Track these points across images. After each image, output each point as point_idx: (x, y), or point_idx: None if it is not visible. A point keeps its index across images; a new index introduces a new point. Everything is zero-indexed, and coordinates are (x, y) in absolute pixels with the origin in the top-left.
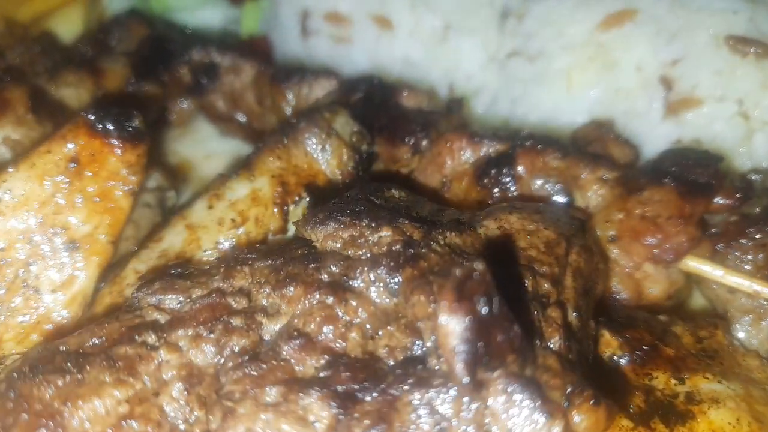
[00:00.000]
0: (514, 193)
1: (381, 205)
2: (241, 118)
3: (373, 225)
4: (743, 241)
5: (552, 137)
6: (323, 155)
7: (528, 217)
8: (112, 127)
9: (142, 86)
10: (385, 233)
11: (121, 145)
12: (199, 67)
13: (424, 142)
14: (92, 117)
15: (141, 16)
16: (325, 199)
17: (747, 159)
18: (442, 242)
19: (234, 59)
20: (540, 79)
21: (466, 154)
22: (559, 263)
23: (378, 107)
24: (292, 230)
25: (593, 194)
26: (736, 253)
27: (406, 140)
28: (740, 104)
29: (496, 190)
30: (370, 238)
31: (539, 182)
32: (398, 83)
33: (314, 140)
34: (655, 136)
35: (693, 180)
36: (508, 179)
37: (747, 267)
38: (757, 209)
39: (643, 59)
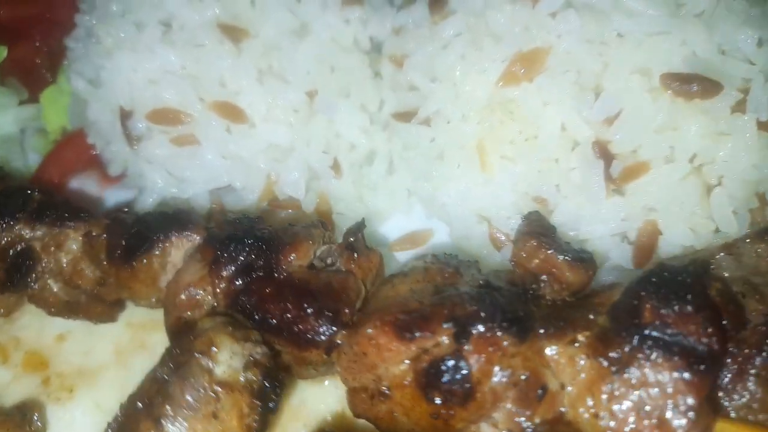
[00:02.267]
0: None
1: None
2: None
3: None
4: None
5: (495, 293)
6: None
7: None
8: None
9: None
10: None
11: None
12: (7, 256)
13: (338, 340)
14: None
15: None
16: None
17: (707, 220)
18: None
19: (50, 230)
20: (443, 150)
21: (399, 356)
22: None
23: (264, 282)
24: None
25: (569, 374)
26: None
27: (313, 339)
28: (693, 160)
29: (451, 402)
30: None
31: (501, 376)
32: (280, 232)
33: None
34: (598, 215)
35: (691, 349)
36: (465, 385)
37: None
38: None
39: (568, 118)
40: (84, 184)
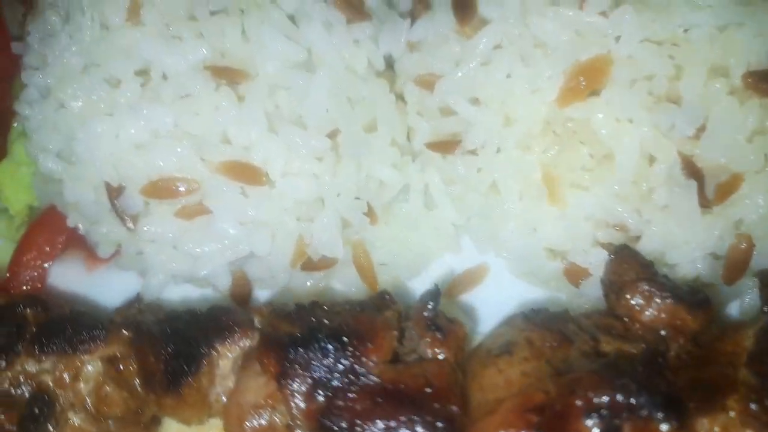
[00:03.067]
0: None
1: None
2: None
3: None
4: None
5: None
6: None
7: None
8: None
9: None
10: None
11: None
12: (14, 403)
13: None
14: None
15: None
16: None
17: None
18: None
19: (61, 358)
20: (496, 181)
21: None
22: None
23: (350, 393)
24: None
25: None
26: None
27: None
28: None
29: None
30: None
31: None
32: (352, 322)
33: None
34: (691, 238)
35: None
36: None
37: None
38: None
39: (645, 135)
40: (68, 269)
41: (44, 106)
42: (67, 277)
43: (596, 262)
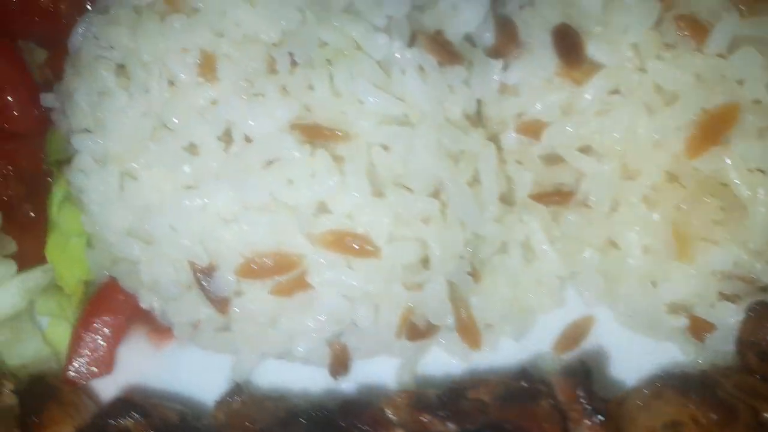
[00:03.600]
0: None
1: None
2: None
3: None
4: None
5: None
6: None
7: None
8: None
9: None
10: None
11: None
12: None
13: None
14: None
15: None
16: None
17: None
18: None
19: None
20: (611, 234)
21: None
22: None
23: None
24: None
25: None
26: None
27: None
28: None
29: None
30: None
31: None
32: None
33: None
34: None
35: None
36: None
37: None
38: None
39: None
40: (133, 347)
41: (105, 176)
42: (133, 357)
43: (722, 315)
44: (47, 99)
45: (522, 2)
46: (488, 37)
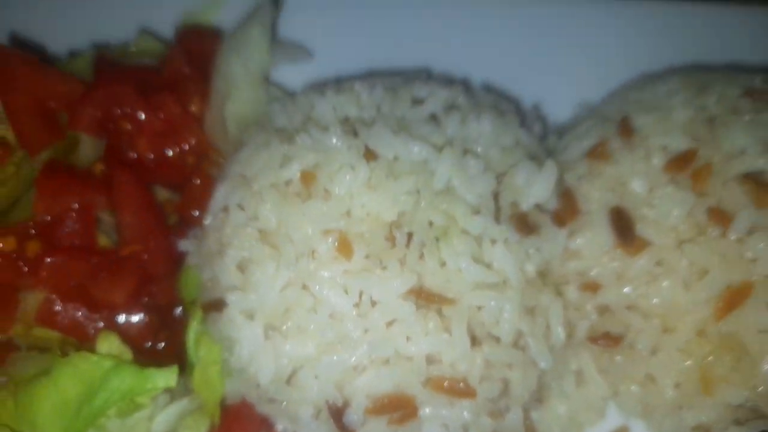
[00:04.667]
0: None
1: None
2: None
3: None
4: None
5: None
6: None
7: None
8: None
9: None
10: None
11: None
12: None
13: None
14: None
15: None
16: None
17: None
18: None
19: None
20: (651, 372)
21: None
22: None
23: None
24: None
25: None
26: None
27: None
28: None
29: None
30: None
31: None
32: None
33: None
34: None
35: None
36: None
37: None
38: None
39: None
40: None
41: (253, 328)
42: None
43: None
44: (184, 244)
45: (581, 174)
46: (553, 203)
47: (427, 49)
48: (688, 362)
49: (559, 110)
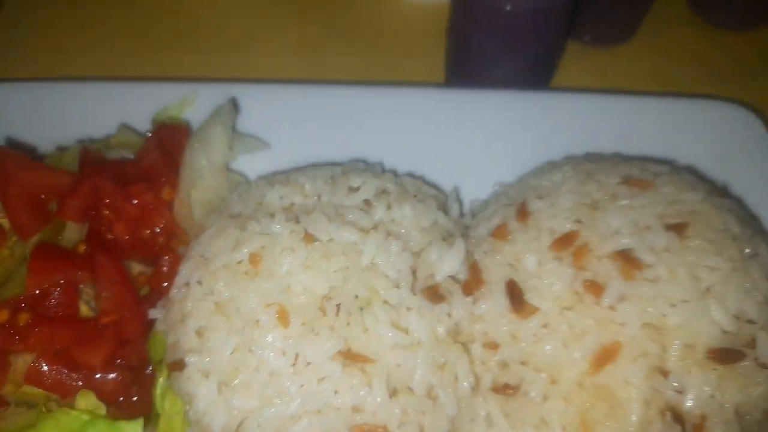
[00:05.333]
0: None
1: None
2: None
3: None
4: None
5: None
6: None
7: None
8: None
9: None
10: None
11: None
12: None
13: None
14: None
15: None
16: None
17: None
18: None
19: None
20: (543, 416)
21: None
22: None
23: None
24: None
25: None
26: None
27: None
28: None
29: None
30: None
31: None
32: None
33: None
34: None
35: None
36: None
37: None
38: None
39: (649, 395)
40: None
41: (208, 385)
42: None
43: None
44: (153, 312)
45: (486, 250)
46: (464, 274)
47: (365, 141)
48: (571, 408)
49: (480, 191)
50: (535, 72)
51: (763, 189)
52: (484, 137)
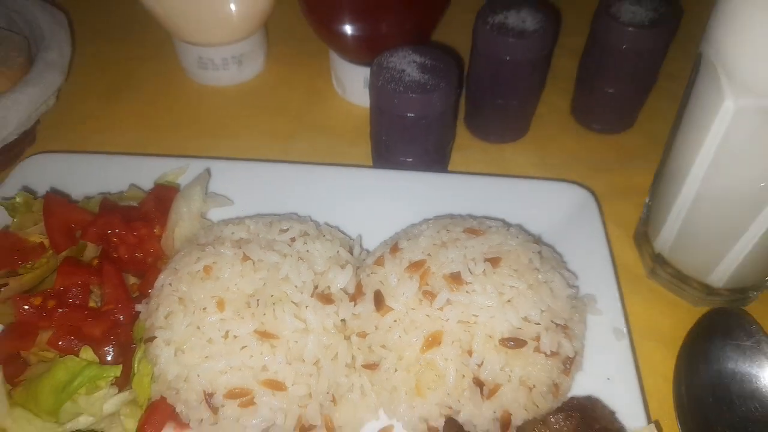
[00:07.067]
0: None
1: None
2: None
3: None
4: None
5: None
6: None
7: None
8: None
9: None
10: None
11: None
12: None
13: None
14: None
15: None
16: None
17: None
18: None
19: None
20: (394, 384)
21: None
22: None
23: None
24: None
25: None
26: None
27: None
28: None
29: None
30: None
31: None
32: None
33: None
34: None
35: None
36: None
37: None
38: None
39: (460, 367)
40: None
41: (168, 351)
42: None
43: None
44: (139, 307)
45: (369, 273)
46: (351, 288)
47: (304, 203)
48: (411, 377)
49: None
50: (431, 159)
51: (585, 246)
52: (389, 204)
